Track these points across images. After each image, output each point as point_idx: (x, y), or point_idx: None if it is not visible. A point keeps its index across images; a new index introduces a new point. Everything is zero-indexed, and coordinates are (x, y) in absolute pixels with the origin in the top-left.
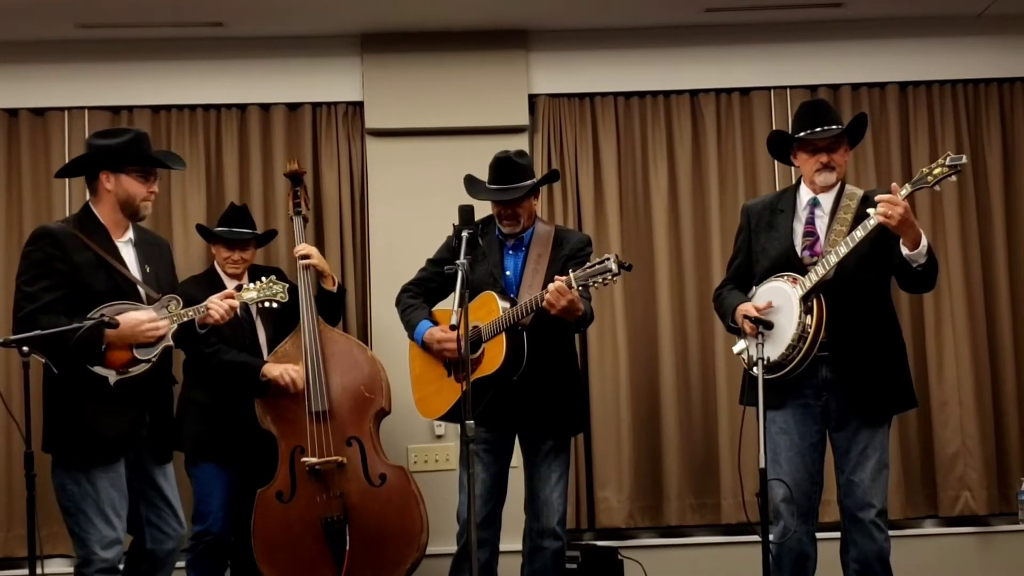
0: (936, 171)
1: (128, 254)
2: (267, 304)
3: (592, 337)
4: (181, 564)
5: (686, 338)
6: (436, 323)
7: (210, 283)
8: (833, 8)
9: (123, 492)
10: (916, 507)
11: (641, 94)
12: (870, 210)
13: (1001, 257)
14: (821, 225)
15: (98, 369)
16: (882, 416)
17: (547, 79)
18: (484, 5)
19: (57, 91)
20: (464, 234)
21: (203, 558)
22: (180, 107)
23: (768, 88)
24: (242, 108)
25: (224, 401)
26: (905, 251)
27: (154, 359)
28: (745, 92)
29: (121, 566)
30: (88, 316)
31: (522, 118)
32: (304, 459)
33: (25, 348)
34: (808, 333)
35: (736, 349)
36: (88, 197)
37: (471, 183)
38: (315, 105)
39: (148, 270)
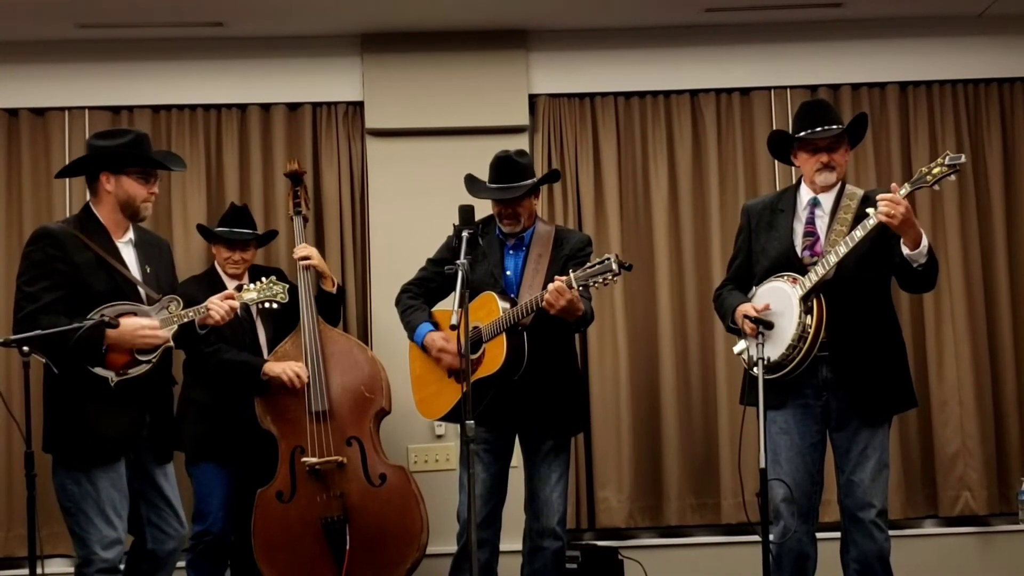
0: (935, 170)
1: (128, 255)
2: (267, 305)
3: (592, 337)
4: (181, 564)
5: (686, 338)
6: (436, 324)
7: (210, 283)
8: (833, 8)
9: (123, 492)
10: (916, 507)
11: (641, 94)
12: (870, 210)
13: (1001, 257)
14: (821, 225)
15: (98, 370)
16: (882, 416)
17: (547, 79)
18: (484, 5)
19: (57, 91)
20: (464, 234)
21: (203, 558)
22: (180, 107)
23: (768, 88)
24: (242, 108)
25: (224, 401)
26: (906, 251)
27: (154, 360)
28: (745, 92)
29: (122, 566)
30: (88, 317)
31: (522, 118)
32: (304, 459)
33: (25, 348)
34: (808, 333)
35: (736, 349)
36: (88, 198)
37: (471, 182)
38: (315, 105)
39: (148, 271)
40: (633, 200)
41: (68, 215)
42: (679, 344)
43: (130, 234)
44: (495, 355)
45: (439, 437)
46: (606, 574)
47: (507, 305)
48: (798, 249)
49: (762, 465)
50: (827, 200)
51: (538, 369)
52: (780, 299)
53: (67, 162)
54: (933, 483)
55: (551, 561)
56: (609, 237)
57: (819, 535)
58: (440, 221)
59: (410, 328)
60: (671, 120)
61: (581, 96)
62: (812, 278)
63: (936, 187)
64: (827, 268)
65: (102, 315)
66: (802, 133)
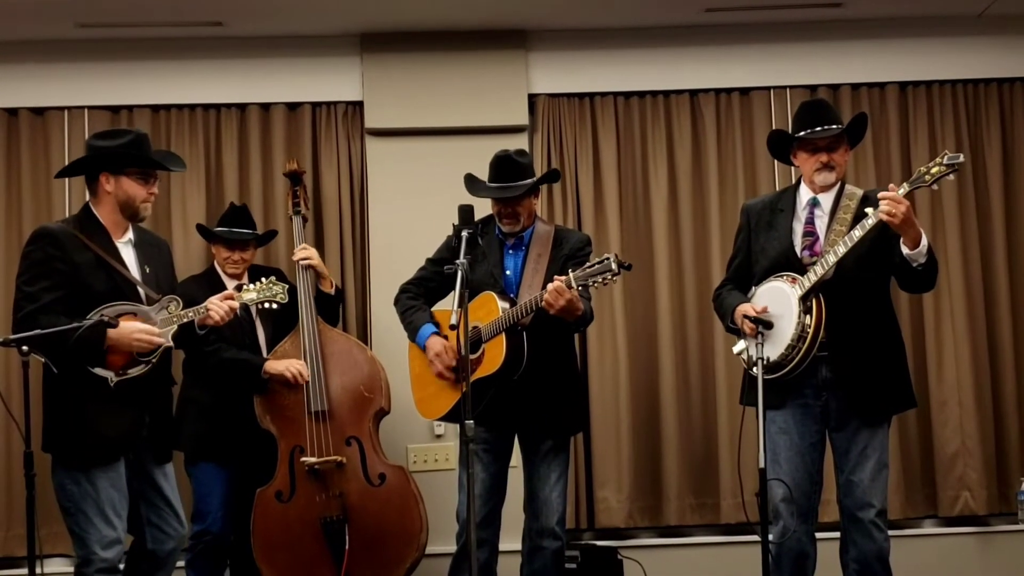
0: (934, 170)
1: (128, 255)
2: (267, 305)
3: (592, 337)
4: (181, 564)
5: (686, 338)
6: (438, 325)
7: (210, 283)
8: (833, 8)
9: (123, 492)
10: (916, 507)
11: (641, 94)
12: (869, 209)
13: (1001, 257)
14: (821, 225)
15: (98, 370)
16: (881, 416)
17: (547, 79)
18: (484, 5)
19: (57, 90)
20: (464, 234)
21: (203, 557)
22: (180, 107)
23: (768, 88)
24: (242, 108)
25: (224, 401)
26: (905, 250)
27: (154, 360)
28: (745, 92)
29: (121, 566)
30: (88, 317)
31: (522, 118)
32: (303, 459)
33: (25, 348)
34: (807, 333)
35: (736, 349)
36: (88, 198)
37: (471, 182)
38: (315, 105)
39: (148, 271)
40: (633, 200)
41: (68, 215)
42: (679, 344)
43: (130, 234)
44: (494, 355)
45: (438, 437)
46: (605, 574)
47: (507, 305)
48: (797, 249)
49: (761, 465)
50: (826, 200)
51: (537, 369)
52: (779, 299)
53: (67, 162)
54: (933, 483)
55: (550, 561)
56: (609, 237)
57: (818, 535)
58: (440, 221)
59: (411, 329)
60: (671, 120)
61: (581, 96)
62: (811, 278)
63: (935, 187)
64: (826, 268)
65: (102, 315)
66: (802, 133)
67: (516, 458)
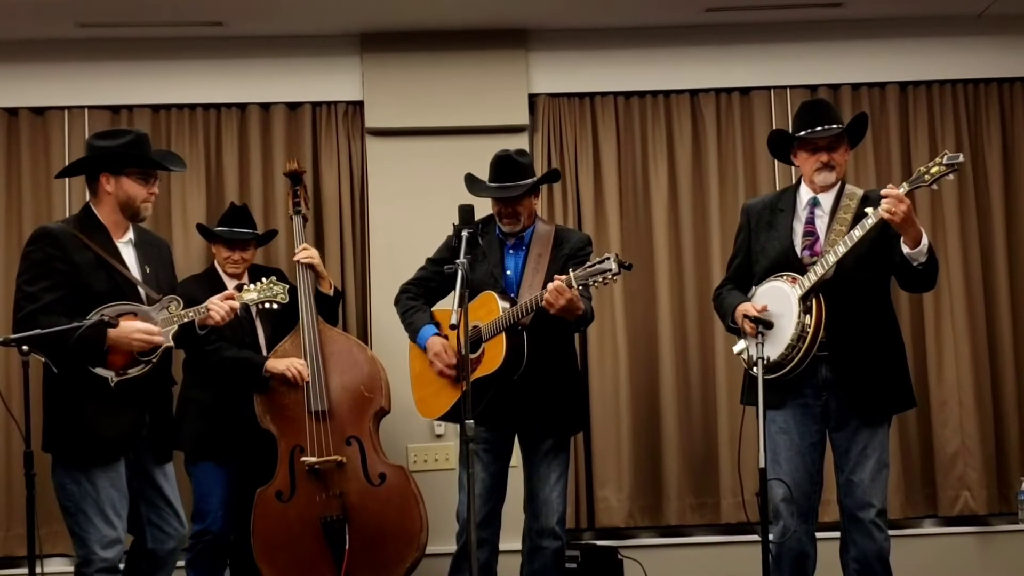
0: (934, 170)
1: (128, 255)
2: (267, 305)
3: (592, 337)
4: (181, 563)
5: (686, 338)
6: (438, 324)
7: (210, 283)
8: (833, 8)
9: (123, 492)
10: (916, 507)
11: (641, 94)
12: (868, 209)
13: (1001, 257)
14: (821, 225)
15: (98, 370)
16: (881, 416)
17: (547, 78)
18: (484, 4)
19: (57, 90)
20: (464, 233)
21: (203, 557)
22: (180, 106)
23: (768, 88)
24: (242, 107)
25: (224, 400)
26: (906, 249)
27: (154, 360)
28: (745, 92)
29: (121, 565)
30: (88, 317)
31: (522, 118)
32: (303, 458)
33: (25, 347)
34: (807, 333)
35: (736, 349)
36: (88, 198)
37: (471, 181)
38: (315, 104)
39: (148, 271)
40: (633, 200)
41: (68, 215)
42: (679, 344)
43: (130, 234)
44: (495, 354)
45: (439, 436)
46: (606, 574)
47: (507, 305)
48: (797, 249)
49: (761, 465)
50: (827, 200)
51: (538, 368)
52: (779, 299)
53: (67, 162)
54: (933, 483)
55: (551, 561)
56: (609, 237)
57: (819, 535)
58: (440, 220)
59: (412, 329)
60: (671, 120)
61: (581, 96)
62: (811, 278)
63: (934, 186)
64: (826, 268)
65: (102, 315)
66: (802, 132)
67: (516, 458)
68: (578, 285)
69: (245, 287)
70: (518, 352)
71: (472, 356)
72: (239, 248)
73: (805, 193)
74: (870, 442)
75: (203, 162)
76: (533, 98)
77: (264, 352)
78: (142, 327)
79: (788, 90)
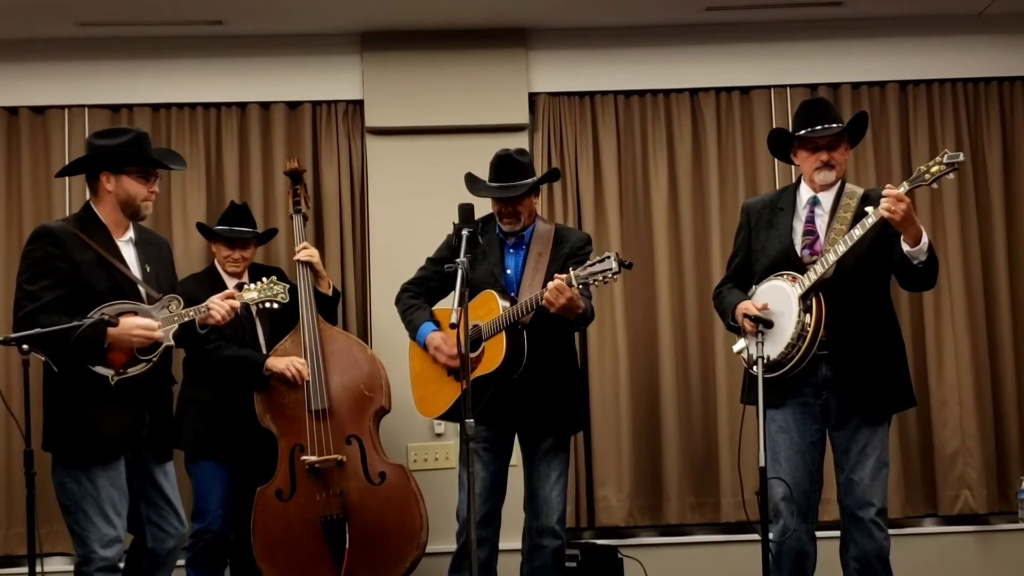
0: (934, 169)
1: (129, 253)
2: (268, 305)
3: (592, 336)
4: (181, 562)
5: (686, 337)
6: (438, 323)
7: (211, 281)
8: (833, 7)
9: (123, 491)
10: (916, 506)
11: (641, 93)
12: (868, 208)
13: (1001, 257)
14: (821, 224)
15: (98, 368)
16: (881, 415)
17: (547, 77)
18: (484, 3)
19: (57, 89)
20: (464, 232)
21: (203, 556)
22: (180, 105)
23: (768, 87)
24: (242, 107)
25: (224, 399)
26: (906, 248)
27: (154, 359)
28: (745, 91)
29: (121, 564)
30: (89, 315)
31: (522, 117)
32: (304, 457)
33: (25, 346)
34: (807, 332)
35: (736, 348)
36: (88, 197)
37: (472, 181)
38: (315, 103)
39: (148, 270)
40: (633, 199)
41: (68, 214)
42: (679, 343)
43: (130, 233)
44: (495, 353)
45: (439, 435)
46: (605, 573)
47: (507, 304)
48: (797, 248)
49: (762, 464)
50: (827, 199)
51: (538, 367)
52: (779, 298)
53: (67, 161)
54: (933, 482)
55: (551, 559)
56: (609, 236)
57: (819, 534)
58: (440, 220)
59: (412, 327)
60: (671, 119)
61: (581, 95)
62: (811, 277)
63: (935, 186)
64: (826, 267)
65: (103, 314)
66: (802, 132)
67: (516, 457)
68: (578, 284)
69: (246, 286)
70: (518, 351)
71: (472, 355)
72: (239, 247)
73: (805, 192)
74: (870, 441)
75: (203, 161)
76: (533, 97)
77: (264, 351)
78: (142, 323)
79: (788, 89)
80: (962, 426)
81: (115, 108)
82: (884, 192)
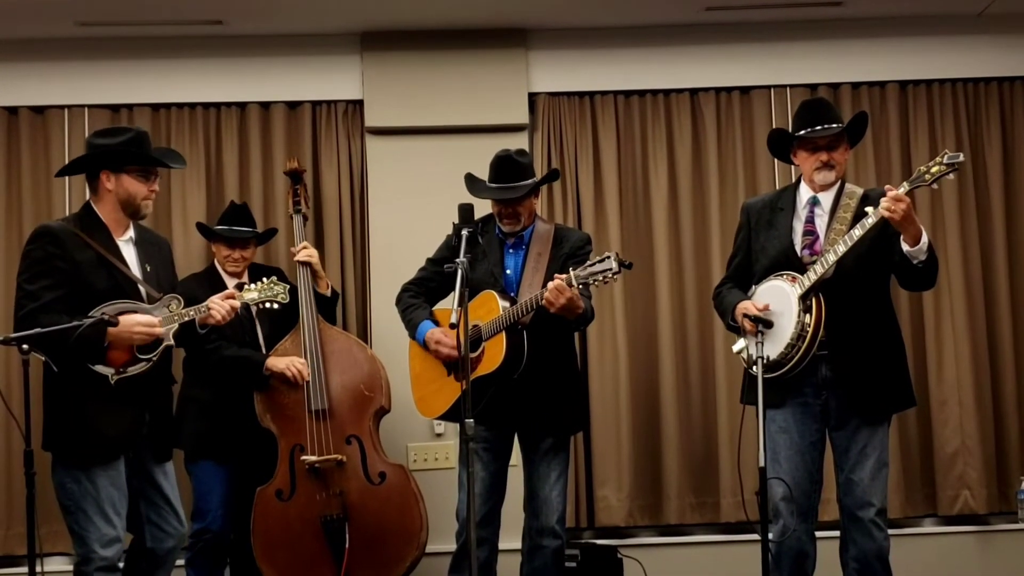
0: (934, 169)
1: (129, 253)
2: (268, 305)
3: (592, 336)
4: (181, 562)
5: (686, 337)
6: (437, 322)
7: (211, 281)
8: (833, 7)
9: (123, 490)
10: (916, 506)
11: (641, 93)
12: (869, 208)
13: (1001, 257)
14: (821, 224)
15: (98, 368)
16: (881, 415)
17: (547, 77)
18: (484, 3)
19: (57, 89)
20: (464, 232)
21: (203, 556)
22: (180, 105)
23: (768, 87)
24: (242, 106)
25: (224, 399)
26: (906, 247)
27: (155, 358)
28: (745, 91)
29: (121, 564)
30: (89, 315)
31: (522, 116)
32: (304, 457)
33: (25, 346)
34: (807, 332)
35: (736, 348)
36: (89, 196)
37: (472, 182)
38: (315, 103)
39: (148, 269)
40: (633, 199)
41: (68, 213)
42: (679, 343)
43: (130, 232)
44: (494, 353)
45: (439, 435)
46: (605, 573)
47: (507, 304)
48: (797, 248)
49: (761, 464)
50: (827, 199)
51: (537, 367)
52: (779, 298)
53: (67, 160)
54: (932, 482)
55: (550, 559)
56: (609, 236)
57: (818, 534)
58: (440, 220)
59: (411, 326)
60: (671, 119)
61: (581, 95)
62: (811, 277)
63: (935, 186)
64: (826, 267)
65: (103, 313)
66: (802, 132)
67: (516, 457)
68: (578, 284)
69: (246, 286)
70: (518, 351)
71: (472, 355)
72: (239, 247)
73: (805, 192)
74: (870, 441)
75: (203, 161)
76: (533, 97)
77: (263, 351)
78: (143, 320)
79: (788, 89)
80: (962, 426)
81: (115, 108)
82: (886, 193)
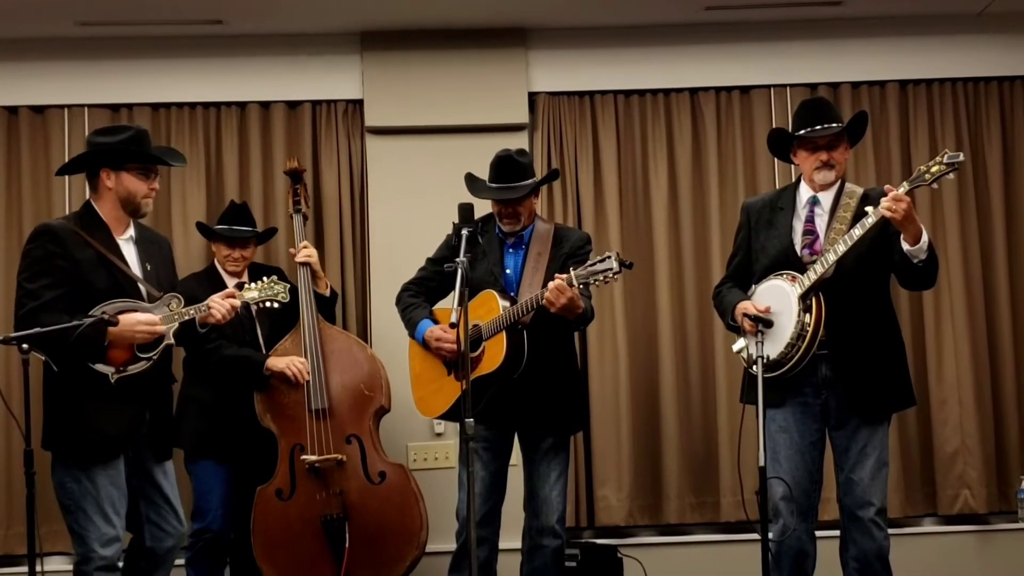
0: (934, 169)
1: (129, 252)
2: (268, 304)
3: (592, 336)
4: (181, 562)
5: (686, 337)
6: (437, 322)
7: (211, 281)
8: (833, 6)
9: (122, 490)
10: (915, 505)
11: (641, 92)
12: (869, 208)
13: (1001, 256)
14: (821, 223)
15: (98, 367)
16: (881, 414)
17: (547, 77)
18: (484, 3)
19: (57, 89)
20: (464, 232)
21: (203, 556)
22: (180, 105)
23: (768, 86)
24: (242, 106)
25: (224, 398)
26: (906, 246)
27: (155, 357)
28: (745, 90)
29: (120, 563)
30: (89, 314)
31: (522, 116)
32: (304, 457)
33: (25, 345)
34: (807, 331)
35: (736, 347)
36: (89, 194)
37: (472, 181)
38: (315, 103)
39: (149, 268)
40: (633, 198)
41: (68, 212)
42: (679, 343)
43: (131, 231)
44: (495, 353)
45: (439, 435)
46: (605, 572)
47: (507, 303)
48: (797, 247)
49: (761, 463)
50: (826, 198)
51: (538, 367)
52: (779, 297)
53: (67, 160)
54: (932, 482)
55: (550, 559)
56: (609, 235)
57: (818, 533)
58: (440, 219)
59: (411, 325)
60: (671, 118)
61: (581, 94)
62: (811, 276)
63: (935, 185)
64: (826, 266)
65: (103, 312)
66: (802, 131)
67: (516, 456)
68: (578, 284)
69: (246, 286)
70: (518, 351)
71: (472, 355)
72: (239, 246)
73: (805, 192)
74: (870, 440)
75: (203, 160)
76: (533, 97)
77: (263, 350)
78: (144, 318)
79: (788, 89)
80: (962, 426)
81: (115, 108)
82: (887, 193)
